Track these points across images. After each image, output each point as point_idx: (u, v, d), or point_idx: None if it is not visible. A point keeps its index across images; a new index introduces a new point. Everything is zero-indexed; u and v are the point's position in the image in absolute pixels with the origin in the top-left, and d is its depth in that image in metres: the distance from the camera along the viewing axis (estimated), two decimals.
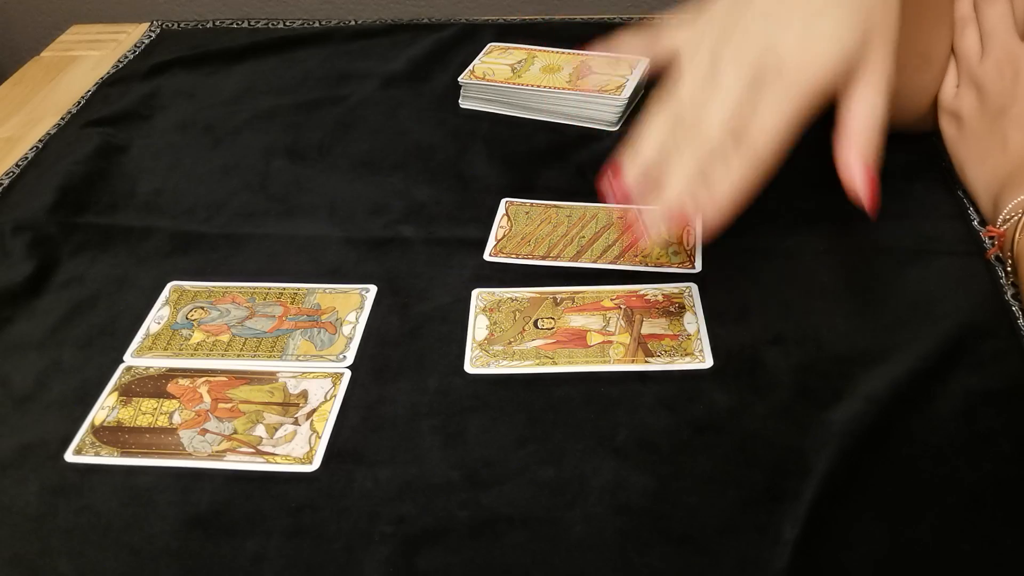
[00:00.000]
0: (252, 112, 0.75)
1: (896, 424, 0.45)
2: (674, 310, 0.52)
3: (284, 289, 0.56)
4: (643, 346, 0.50)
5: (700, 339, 0.50)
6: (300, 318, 0.54)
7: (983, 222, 0.57)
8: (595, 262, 0.56)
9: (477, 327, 0.52)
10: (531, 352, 0.50)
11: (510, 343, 0.51)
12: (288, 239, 0.60)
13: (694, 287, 0.54)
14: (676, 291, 0.54)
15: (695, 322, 0.51)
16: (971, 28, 0.59)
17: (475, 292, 0.55)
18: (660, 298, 0.53)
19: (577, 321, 0.52)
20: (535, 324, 0.52)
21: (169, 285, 0.57)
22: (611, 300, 0.53)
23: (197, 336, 0.53)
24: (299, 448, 0.46)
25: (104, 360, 0.52)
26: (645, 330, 0.51)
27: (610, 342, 0.50)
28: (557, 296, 0.54)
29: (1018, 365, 0.48)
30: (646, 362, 0.49)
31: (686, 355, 0.49)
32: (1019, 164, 0.55)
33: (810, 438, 0.45)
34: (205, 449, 0.46)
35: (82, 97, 0.78)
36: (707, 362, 0.49)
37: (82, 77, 0.82)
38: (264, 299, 0.55)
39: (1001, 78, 0.56)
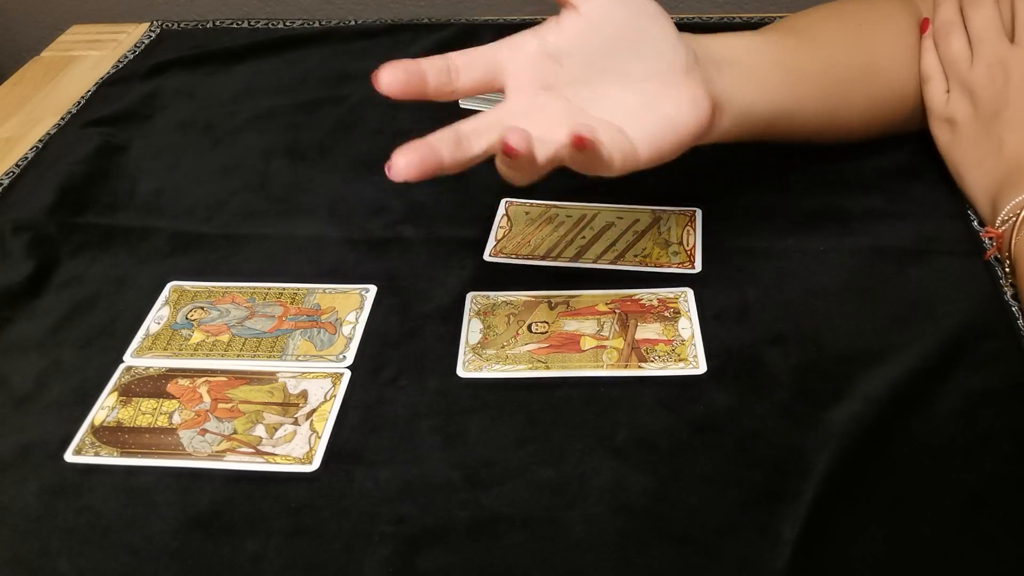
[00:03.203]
0: (252, 112, 0.74)
1: (896, 424, 0.45)
2: (669, 315, 0.52)
3: (284, 289, 0.56)
4: (637, 351, 0.50)
5: (694, 344, 0.50)
6: (300, 318, 0.54)
7: (982, 223, 0.57)
8: (595, 263, 0.56)
9: (471, 331, 0.52)
10: (524, 356, 0.50)
11: (503, 347, 0.51)
12: (288, 239, 0.60)
13: (689, 292, 0.54)
14: (671, 296, 0.54)
15: (689, 327, 0.51)
16: (957, 33, 0.59)
17: (469, 295, 0.54)
18: (655, 303, 0.53)
19: (571, 325, 0.52)
20: (529, 328, 0.52)
21: (169, 285, 0.57)
22: (606, 304, 0.53)
23: (197, 336, 0.53)
24: (299, 448, 0.46)
25: (104, 360, 0.52)
26: (639, 335, 0.51)
27: (604, 347, 0.50)
28: (552, 300, 0.54)
29: (1018, 365, 0.48)
30: (639, 367, 0.49)
31: (680, 360, 0.49)
32: (1015, 166, 0.55)
33: (810, 438, 0.45)
34: (205, 449, 0.46)
35: (82, 97, 0.78)
36: (701, 368, 0.49)
37: (82, 77, 0.82)
38: (264, 299, 0.55)
39: (993, 82, 0.56)
